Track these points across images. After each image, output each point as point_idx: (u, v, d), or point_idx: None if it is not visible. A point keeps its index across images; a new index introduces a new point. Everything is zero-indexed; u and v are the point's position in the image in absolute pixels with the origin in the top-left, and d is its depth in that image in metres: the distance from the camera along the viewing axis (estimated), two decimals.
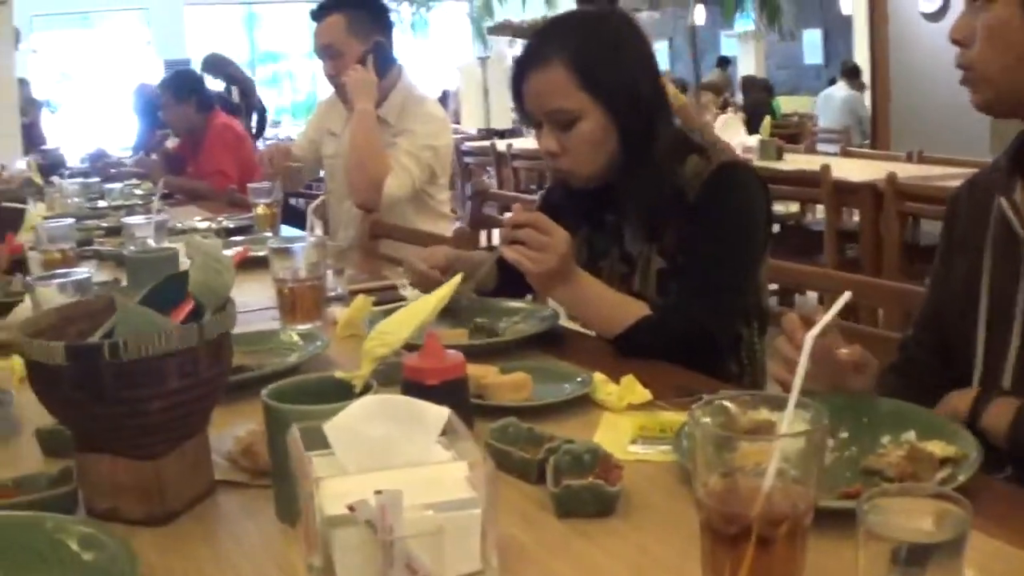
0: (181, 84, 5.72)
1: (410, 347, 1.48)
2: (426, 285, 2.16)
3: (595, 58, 2.04)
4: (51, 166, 6.79)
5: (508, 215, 2.05)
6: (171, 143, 6.14)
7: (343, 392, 1.25)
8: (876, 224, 5.16)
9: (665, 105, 2.12)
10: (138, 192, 5.10)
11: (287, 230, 3.67)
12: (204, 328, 1.23)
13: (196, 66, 7.21)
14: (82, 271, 2.26)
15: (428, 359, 1.37)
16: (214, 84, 6.68)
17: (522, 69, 2.09)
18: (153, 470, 1.26)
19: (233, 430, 1.49)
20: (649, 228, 2.11)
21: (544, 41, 2.09)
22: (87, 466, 1.29)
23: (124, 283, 2.64)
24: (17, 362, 1.97)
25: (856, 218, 5.71)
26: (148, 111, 7.49)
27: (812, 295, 5.36)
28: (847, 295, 1.22)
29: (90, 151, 8.02)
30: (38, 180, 5.78)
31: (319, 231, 2.33)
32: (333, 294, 2.42)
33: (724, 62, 15.16)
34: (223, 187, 5.10)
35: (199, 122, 5.62)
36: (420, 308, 1.41)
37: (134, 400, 1.21)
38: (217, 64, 7.26)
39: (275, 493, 1.27)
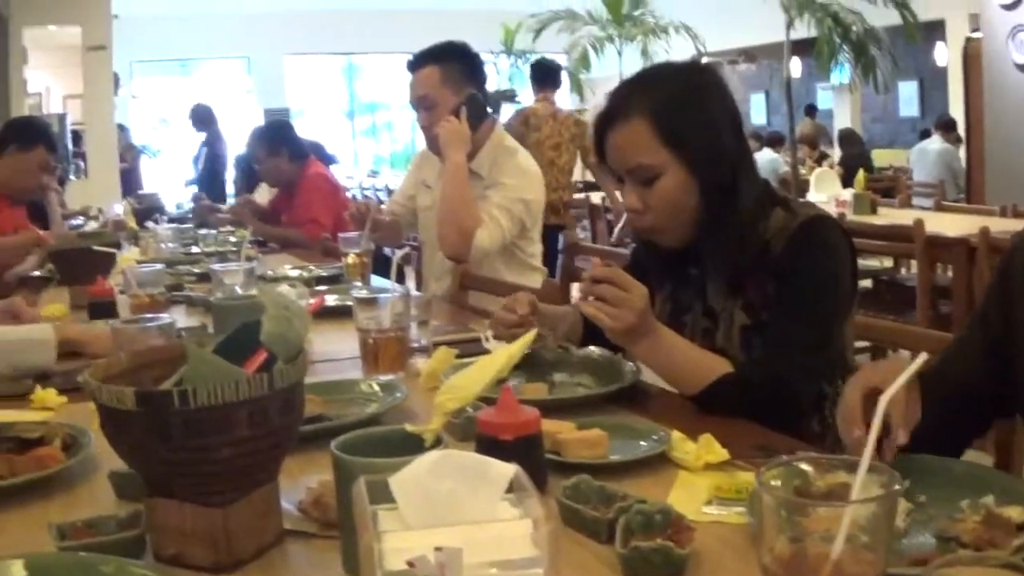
0: (272, 136, 5.83)
1: (488, 400, 1.48)
2: (506, 329, 2.17)
3: (677, 114, 2.03)
4: (147, 211, 6.95)
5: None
6: (260, 196, 6.26)
7: (413, 445, 1.25)
8: (969, 280, 5.05)
9: (749, 160, 2.11)
10: (232, 239, 5.19)
11: (378, 280, 3.71)
12: (274, 377, 1.24)
13: (294, 116, 7.38)
14: (165, 316, 2.30)
15: (503, 414, 1.37)
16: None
17: (605, 123, 2.10)
18: (221, 518, 1.27)
19: (307, 479, 1.50)
20: (732, 283, 2.09)
21: (627, 95, 2.09)
22: (155, 511, 1.30)
23: (210, 329, 2.69)
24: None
25: (950, 273, 5.61)
26: (243, 161, 7.67)
27: (904, 353, 5.25)
28: (923, 356, 1.20)
29: (190, 195, 8.18)
30: (132, 224, 5.92)
31: (411, 282, 2.34)
32: (416, 345, 2.43)
33: (812, 110, 15.05)
34: (316, 236, 5.18)
35: (293, 172, 5.71)
36: (494, 362, 1.41)
37: (202, 448, 1.22)
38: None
39: (343, 545, 1.27)
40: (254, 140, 5.89)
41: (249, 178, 7.32)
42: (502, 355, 1.40)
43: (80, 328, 2.69)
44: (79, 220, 7.36)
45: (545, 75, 7.83)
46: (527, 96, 8.92)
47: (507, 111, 10.19)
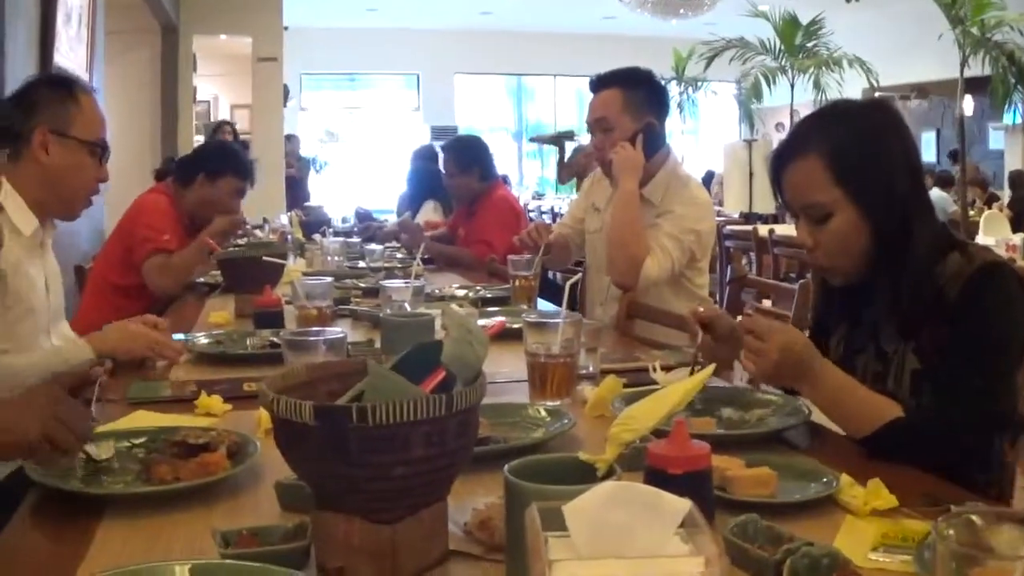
0: (467, 152, 5.92)
1: (656, 432, 1.48)
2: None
3: (852, 153, 2.03)
4: (314, 223, 7.11)
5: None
6: (425, 214, 6.36)
7: (586, 474, 1.26)
8: None
9: (925, 203, 2.08)
10: (398, 255, 5.29)
11: (542, 304, 3.74)
12: (454, 400, 1.26)
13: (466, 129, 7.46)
14: (337, 331, 2.36)
15: (674, 447, 1.36)
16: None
17: (781, 159, 2.10)
18: (388, 534, 1.29)
19: (472, 501, 1.52)
20: (905, 327, 2.06)
21: (806, 132, 2.10)
22: (323, 524, 1.33)
23: (377, 345, 2.75)
24: (265, 413, 2.07)
25: None
26: (415, 176, 7.76)
27: None
28: None
29: (355, 211, 8.33)
30: (299, 236, 6.08)
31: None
32: (584, 372, 2.44)
33: (953, 155, 14.63)
34: (484, 256, 5.23)
35: (480, 191, 5.80)
36: (670, 395, 1.41)
37: (377, 465, 1.25)
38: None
39: (507, 569, 1.28)
40: (449, 153, 5.96)
41: (417, 195, 7.43)
42: (679, 389, 1.40)
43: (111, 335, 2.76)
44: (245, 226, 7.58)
45: None
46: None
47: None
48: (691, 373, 2.17)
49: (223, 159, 4.83)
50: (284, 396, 1.28)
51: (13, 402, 1.70)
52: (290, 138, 14.07)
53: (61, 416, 1.71)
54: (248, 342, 2.98)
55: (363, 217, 7.81)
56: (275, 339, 2.81)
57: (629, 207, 3.56)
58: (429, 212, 7.09)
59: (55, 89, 2.81)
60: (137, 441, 1.94)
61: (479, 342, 1.36)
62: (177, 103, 11.92)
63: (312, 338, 2.24)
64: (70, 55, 6.41)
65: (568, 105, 20.47)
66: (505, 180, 7.35)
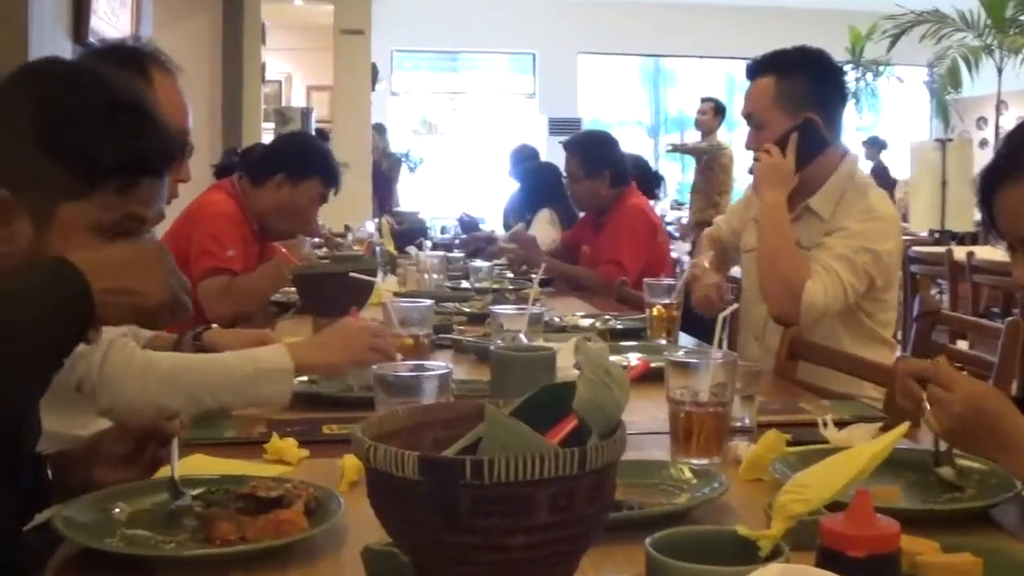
0: (597, 152, 5.94)
1: (830, 504, 1.46)
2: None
3: None
4: (408, 233, 7.17)
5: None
6: (538, 227, 6.36)
7: (745, 553, 1.26)
8: None
9: None
10: (509, 274, 5.32)
11: (684, 338, 3.73)
12: (588, 454, 1.26)
13: (587, 127, 7.47)
14: (440, 365, 2.38)
15: (854, 524, 1.35)
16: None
17: (994, 177, 2.06)
18: None
19: None
20: None
21: (1020, 148, 2.05)
22: None
23: (484, 383, 2.76)
24: (349, 463, 2.10)
25: None
26: (527, 177, 7.79)
27: None
28: None
29: (458, 218, 8.38)
30: (390, 248, 6.13)
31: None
32: (739, 425, 2.43)
33: None
34: (614, 279, 5.23)
35: (609, 198, 5.83)
36: (852, 460, 1.39)
37: (493, 531, 1.26)
38: None
39: None
40: (574, 152, 5.97)
41: (530, 201, 7.46)
42: (864, 453, 1.39)
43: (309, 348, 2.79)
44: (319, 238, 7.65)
45: None
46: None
47: None
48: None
49: (310, 158, 4.86)
50: (382, 444, 1.29)
51: (130, 260, 1.71)
52: (379, 128, 14.22)
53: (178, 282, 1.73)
54: (326, 377, 3.01)
55: (467, 226, 7.87)
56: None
57: (775, 224, 3.55)
58: (545, 223, 7.11)
59: (119, 65, 2.87)
60: (194, 492, 1.96)
61: (619, 385, 1.36)
62: (241, 82, 12.05)
63: (413, 375, 2.26)
64: (111, 19, 6.50)
65: (716, 94, 20.33)
66: (658, 181, 7.34)
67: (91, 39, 5.70)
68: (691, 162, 13.10)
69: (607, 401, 1.35)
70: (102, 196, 1.77)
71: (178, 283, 1.73)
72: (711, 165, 11.28)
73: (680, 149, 13.80)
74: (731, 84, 19.14)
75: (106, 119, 1.78)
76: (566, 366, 2.53)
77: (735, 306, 2.73)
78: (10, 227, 1.71)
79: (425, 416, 1.48)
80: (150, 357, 2.57)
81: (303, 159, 4.83)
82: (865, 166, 11.35)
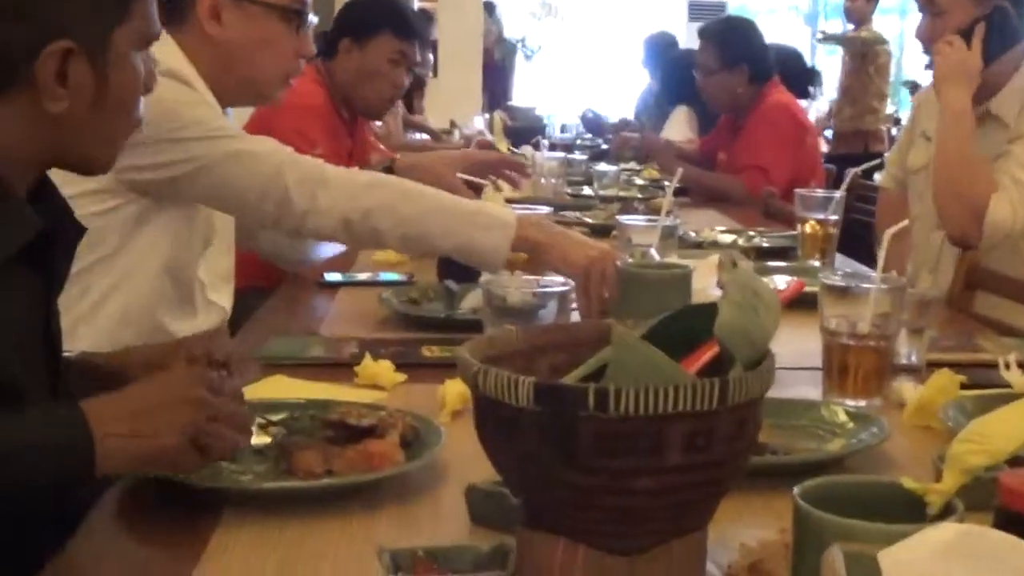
0: (733, 41, 5.89)
1: (1012, 460, 1.45)
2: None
3: None
4: (523, 131, 7.15)
5: None
6: (673, 128, 6.30)
7: (910, 509, 1.24)
8: None
9: None
10: (638, 181, 5.29)
11: (844, 261, 3.70)
12: (729, 387, 1.26)
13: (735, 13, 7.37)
14: (559, 281, 2.38)
15: None
16: None
17: None
18: (626, 569, 1.30)
19: (739, 534, 1.52)
20: None
21: None
22: (533, 549, 1.35)
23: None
24: (452, 390, 2.11)
25: None
26: (661, 69, 7.73)
27: None
28: None
29: (580, 115, 8.34)
30: (503, 147, 6.12)
31: (896, 271, 2.31)
32: (904, 363, 2.41)
33: None
34: (758, 188, 5.20)
35: (748, 96, 5.78)
36: None
37: (617, 472, 1.26)
38: None
39: None
40: (708, 41, 5.93)
41: (665, 98, 7.42)
42: None
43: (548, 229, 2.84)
44: (421, 136, 7.65)
45: None
46: None
47: None
48: None
49: (372, 11, 4.80)
50: (493, 368, 1.30)
51: (146, 391, 1.73)
52: (490, 9, 14.16)
53: (215, 412, 1.67)
54: (430, 293, 3.05)
55: (591, 125, 7.82)
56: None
57: (958, 131, 3.47)
58: (681, 123, 7.07)
59: None
60: (275, 417, 1.99)
61: (768, 309, 1.35)
62: None
63: (529, 291, 2.26)
64: None
65: None
66: (814, 78, 7.21)
67: None
68: None
69: (754, 327, 1.34)
70: (139, 8, 1.81)
71: (224, 408, 1.70)
72: (865, 61, 10.92)
73: (830, 39, 13.50)
74: None
75: None
76: (703, 287, 2.53)
77: (904, 223, 2.68)
78: (72, 80, 1.73)
79: (542, 338, 1.49)
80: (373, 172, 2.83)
81: (366, 14, 4.79)
82: None
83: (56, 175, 1.89)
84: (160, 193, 2.79)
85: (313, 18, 3.06)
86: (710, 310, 1.36)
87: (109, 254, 2.77)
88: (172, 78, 2.75)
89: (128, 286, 2.80)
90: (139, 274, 2.81)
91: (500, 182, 4.09)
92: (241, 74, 2.93)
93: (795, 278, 3.06)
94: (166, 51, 2.81)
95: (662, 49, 8.37)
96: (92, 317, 2.75)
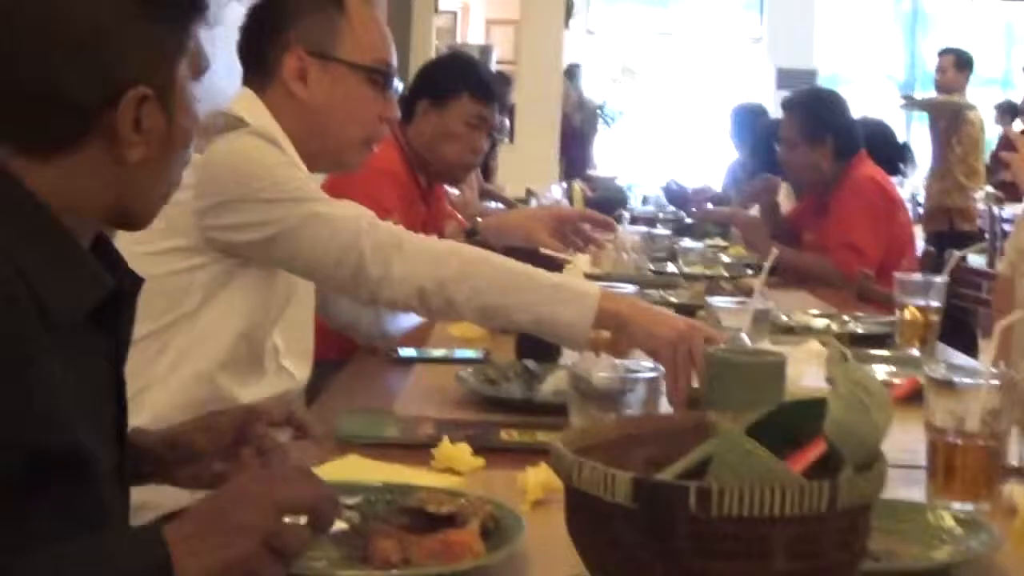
0: (817, 114, 5.86)
1: None
2: None
3: None
4: (604, 202, 7.16)
5: None
6: (785, 198, 6.28)
7: None
8: None
9: None
10: (724, 258, 5.28)
11: (946, 351, 3.67)
12: (840, 489, 1.25)
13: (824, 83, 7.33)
14: (647, 366, 2.37)
15: None
16: None
17: None
18: None
19: None
20: None
21: None
22: None
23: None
24: (534, 478, 2.11)
25: None
26: (750, 141, 7.72)
27: None
28: None
29: (663, 186, 8.34)
30: None
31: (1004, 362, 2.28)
32: (1016, 465, 2.38)
33: None
34: (851, 269, 5.17)
35: (834, 172, 5.75)
36: None
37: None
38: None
39: None
40: (791, 113, 5.91)
41: (757, 171, 7.40)
42: None
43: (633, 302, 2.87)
44: (496, 205, 7.66)
45: None
46: None
47: None
48: None
49: (451, 73, 4.83)
50: (589, 461, 1.30)
51: (216, 501, 1.72)
52: (571, 73, 14.22)
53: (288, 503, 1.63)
54: (509, 372, 3.05)
55: (675, 197, 7.82)
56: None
57: None
58: (779, 198, 7.04)
59: None
60: (350, 501, 1.98)
61: (879, 407, 1.35)
62: (411, 12, 12.11)
63: (616, 376, 2.26)
64: None
65: (992, 43, 19.89)
66: (905, 154, 7.16)
67: None
68: None
69: (864, 426, 1.34)
70: (193, 39, 1.83)
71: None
72: (951, 131, 10.74)
73: (912, 104, 13.38)
74: (1010, 35, 18.74)
75: None
76: (797, 376, 2.52)
77: (1018, 314, 2.66)
78: (146, 125, 1.76)
79: (637, 428, 1.49)
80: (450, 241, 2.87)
81: (445, 76, 4.81)
82: None
83: (142, 232, 1.92)
84: (243, 253, 2.83)
85: (398, 83, 3.10)
86: (817, 406, 1.36)
87: (189, 313, 2.81)
88: (260, 138, 2.83)
89: (204, 347, 2.82)
90: (216, 335, 2.84)
91: (580, 256, 4.11)
92: (324, 136, 2.98)
93: (893, 370, 3.05)
94: (254, 110, 2.89)
95: (751, 120, 8.35)
96: (168, 377, 2.78)
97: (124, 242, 1.91)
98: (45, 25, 1.71)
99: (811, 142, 5.75)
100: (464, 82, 4.73)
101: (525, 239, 3.17)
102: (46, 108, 1.72)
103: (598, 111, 15.52)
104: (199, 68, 1.87)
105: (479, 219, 3.69)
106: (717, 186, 8.87)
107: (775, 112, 11.04)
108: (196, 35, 1.85)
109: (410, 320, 3.44)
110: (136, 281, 1.89)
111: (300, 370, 3.09)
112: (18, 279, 1.59)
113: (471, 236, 3.24)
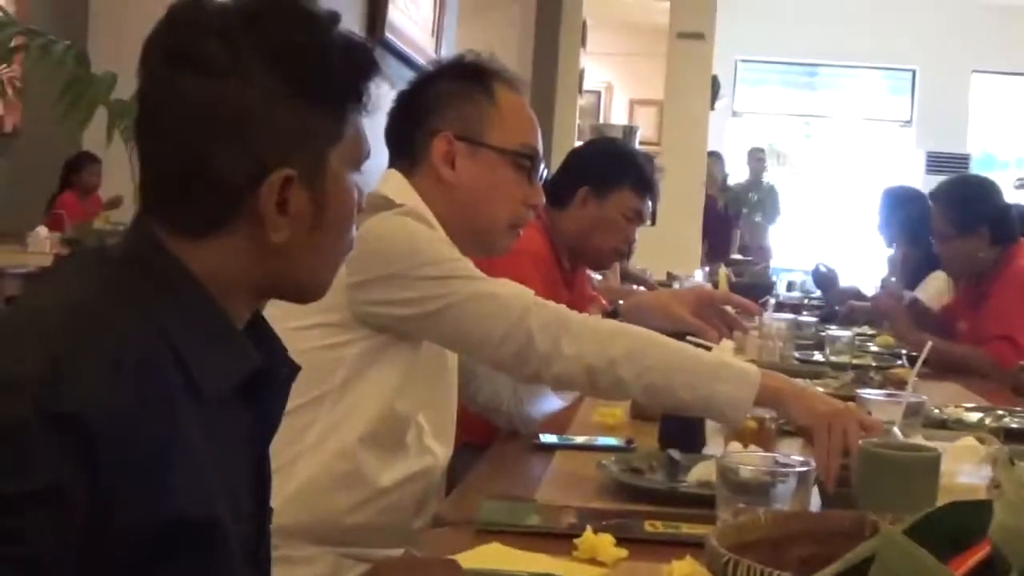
0: (967, 202, 5.78)
1: None
2: None
3: None
4: (750, 288, 7.11)
5: None
6: (929, 294, 6.21)
7: None
8: None
9: None
10: (872, 348, 5.22)
11: None
12: None
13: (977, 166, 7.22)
14: (798, 459, 2.35)
15: None
16: None
17: None
18: None
19: None
20: None
21: None
22: None
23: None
24: (680, 571, 2.10)
25: None
26: (900, 226, 7.63)
27: None
28: None
29: (811, 271, 8.26)
30: (730, 308, 6.09)
31: None
32: None
33: None
34: (1008, 362, 5.09)
35: (989, 261, 5.68)
36: None
37: None
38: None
39: None
40: (940, 203, 5.84)
41: (915, 261, 7.31)
42: None
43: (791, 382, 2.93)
44: (638, 288, 7.66)
45: None
46: None
47: None
48: None
49: (616, 164, 4.85)
50: (745, 560, 1.29)
51: None
52: (714, 157, 14.20)
53: None
54: (652, 462, 3.03)
55: (823, 281, 7.72)
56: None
57: None
58: (940, 287, 6.94)
59: (461, 81, 3.08)
60: None
61: None
62: (554, 91, 12.15)
63: (767, 469, 2.25)
64: (410, 9, 6.68)
65: None
66: None
67: (388, 33, 5.88)
68: None
69: None
70: (349, 128, 1.87)
71: None
72: None
73: None
74: None
75: (329, 44, 1.86)
76: (950, 472, 2.49)
77: None
78: (292, 207, 1.78)
79: (793, 525, 1.48)
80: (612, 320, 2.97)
81: (608, 166, 4.83)
82: None
83: (292, 307, 1.95)
84: (400, 330, 2.88)
85: (544, 169, 3.14)
86: (982, 508, 1.35)
87: (336, 389, 2.85)
88: (415, 218, 2.90)
89: (350, 423, 2.86)
90: (362, 412, 2.87)
91: (724, 343, 4.10)
92: (471, 220, 3.03)
93: None
94: (403, 192, 2.94)
95: (902, 204, 8.17)
96: (314, 452, 2.82)
97: (273, 318, 1.94)
98: (191, 107, 1.76)
99: (964, 234, 5.66)
100: (627, 175, 4.79)
101: (667, 319, 3.19)
102: (195, 186, 1.77)
103: (744, 196, 15.49)
104: (358, 156, 1.91)
105: (620, 302, 3.69)
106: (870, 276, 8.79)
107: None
108: (355, 122, 1.89)
109: (551, 405, 3.45)
110: (294, 369, 1.92)
111: (442, 450, 3.10)
112: (168, 351, 1.63)
113: (611, 316, 3.24)
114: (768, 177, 16.21)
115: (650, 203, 4.88)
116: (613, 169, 4.81)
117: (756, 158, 15.96)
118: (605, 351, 2.80)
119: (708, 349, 3.47)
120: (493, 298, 2.84)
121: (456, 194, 3.02)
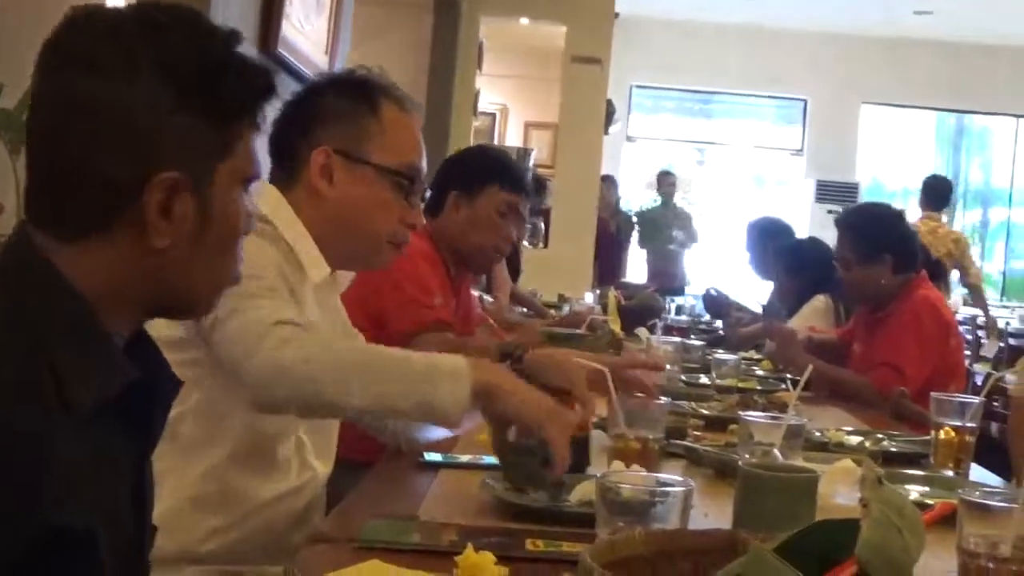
0: (872, 232, 5.82)
1: None
2: None
3: None
4: (638, 311, 7.13)
5: None
6: (808, 319, 6.26)
7: None
8: None
9: None
10: (758, 371, 5.24)
11: (980, 472, 3.65)
12: None
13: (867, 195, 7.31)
14: (678, 479, 2.37)
15: None
16: None
17: None
18: None
19: None
20: None
21: None
22: None
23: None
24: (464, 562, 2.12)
25: None
26: (774, 259, 7.69)
27: None
28: None
29: (702, 295, 8.31)
30: (616, 328, 6.10)
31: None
32: None
33: None
34: (888, 387, 5.13)
35: (892, 287, 5.74)
36: None
37: None
38: None
39: None
40: (845, 232, 5.87)
41: (799, 286, 7.36)
42: None
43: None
44: (522, 309, 7.66)
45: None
46: None
47: None
48: None
49: (480, 165, 4.99)
50: (615, 575, 1.30)
51: None
52: (608, 181, 14.26)
53: None
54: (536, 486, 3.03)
55: (713, 305, 7.77)
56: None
57: None
58: (818, 312, 7.00)
59: (347, 95, 3.09)
60: None
61: (912, 530, 1.36)
62: (450, 112, 12.15)
63: (646, 488, 2.26)
64: (304, 26, 6.66)
65: None
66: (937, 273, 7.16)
67: (281, 49, 5.87)
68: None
69: (897, 550, 1.34)
70: (240, 145, 1.89)
71: None
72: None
73: None
74: None
75: (227, 61, 1.88)
76: (828, 493, 2.51)
77: None
78: (177, 212, 1.79)
79: (668, 544, 1.49)
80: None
81: (474, 168, 4.97)
82: None
83: (153, 322, 1.95)
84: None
85: (428, 190, 3.13)
86: (850, 527, 1.36)
87: (193, 406, 2.83)
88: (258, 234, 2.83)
89: (218, 440, 2.84)
90: (231, 428, 2.85)
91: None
92: (347, 235, 3.02)
93: (930, 489, 3.04)
94: (279, 207, 2.92)
95: (768, 238, 8.14)
96: (182, 469, 2.81)
97: None
98: (81, 106, 1.76)
99: (868, 261, 5.73)
100: (493, 172, 4.89)
101: (564, 380, 3.17)
102: (78, 185, 1.77)
103: (634, 220, 15.57)
104: (247, 174, 1.93)
105: (529, 351, 3.59)
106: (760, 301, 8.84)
107: (808, 226, 11.02)
108: (248, 141, 1.91)
109: (437, 431, 3.44)
110: (176, 383, 1.92)
111: (323, 466, 3.09)
112: (42, 364, 1.63)
113: (516, 362, 3.22)
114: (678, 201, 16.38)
115: (526, 199, 4.96)
116: (479, 170, 4.93)
117: (668, 183, 16.05)
118: (309, 365, 2.67)
119: None
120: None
121: (331, 209, 3.01)
